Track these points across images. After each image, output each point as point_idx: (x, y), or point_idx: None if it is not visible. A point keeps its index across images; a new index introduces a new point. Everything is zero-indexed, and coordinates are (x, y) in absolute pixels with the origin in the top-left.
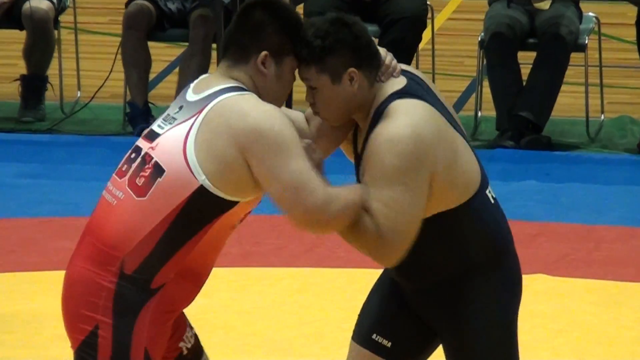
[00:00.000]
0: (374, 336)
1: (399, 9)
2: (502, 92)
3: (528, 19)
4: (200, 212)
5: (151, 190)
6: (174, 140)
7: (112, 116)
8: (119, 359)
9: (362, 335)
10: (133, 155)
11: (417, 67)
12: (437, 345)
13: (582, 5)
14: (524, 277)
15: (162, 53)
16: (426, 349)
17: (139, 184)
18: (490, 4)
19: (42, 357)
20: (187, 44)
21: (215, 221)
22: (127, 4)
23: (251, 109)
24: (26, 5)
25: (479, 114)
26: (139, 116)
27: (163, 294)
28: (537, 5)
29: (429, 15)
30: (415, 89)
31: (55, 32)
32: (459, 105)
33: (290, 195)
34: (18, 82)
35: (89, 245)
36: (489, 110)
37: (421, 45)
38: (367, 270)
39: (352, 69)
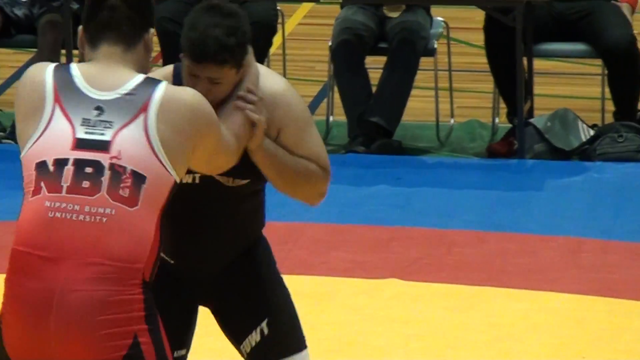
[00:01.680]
0: (175, 354)
1: (248, 14)
2: (351, 98)
3: (378, 24)
4: (169, 202)
5: (140, 198)
6: (136, 145)
7: None
8: (163, 357)
9: None
10: (89, 170)
11: None
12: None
13: (431, 9)
14: (375, 281)
15: (10, 59)
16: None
17: (126, 196)
18: (341, 8)
19: None
20: (35, 49)
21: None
22: None
23: (186, 96)
24: None
25: (331, 118)
26: None
27: None
28: (389, 13)
29: (279, 20)
30: None
31: None
32: (311, 110)
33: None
34: None
35: (90, 266)
36: (341, 115)
37: (272, 50)
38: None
39: (247, 56)
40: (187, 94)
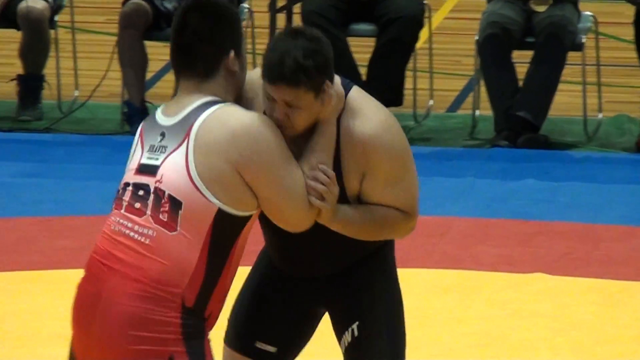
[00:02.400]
0: (258, 344)
1: (396, 9)
2: (498, 92)
3: (525, 18)
4: (225, 233)
5: (178, 223)
6: (176, 170)
7: (110, 115)
8: None
9: (241, 342)
10: (141, 192)
11: (414, 66)
12: (316, 326)
13: (579, 4)
14: (522, 275)
15: (159, 52)
16: (308, 336)
17: (165, 220)
18: (488, 2)
19: (41, 357)
20: None
21: (238, 240)
22: (123, 4)
23: (233, 120)
24: (22, 5)
25: (477, 112)
26: (136, 115)
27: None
28: (536, 7)
29: (426, 14)
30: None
31: (52, 31)
32: (457, 104)
33: (288, 202)
34: (15, 82)
35: (133, 282)
36: (487, 109)
37: (418, 45)
38: None
39: (327, 82)
40: (237, 116)
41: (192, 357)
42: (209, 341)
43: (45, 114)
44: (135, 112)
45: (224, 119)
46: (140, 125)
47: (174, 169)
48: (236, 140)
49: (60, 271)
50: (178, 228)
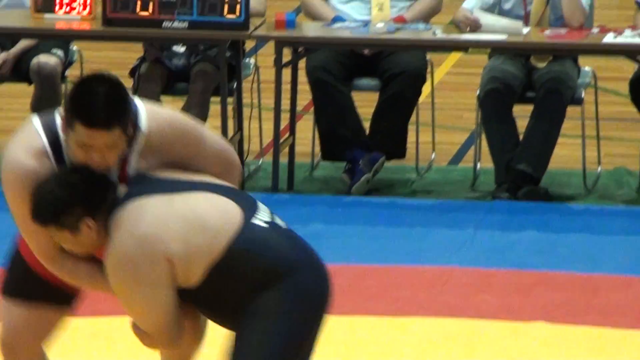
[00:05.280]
0: None
1: (399, 64)
2: (498, 146)
3: (525, 74)
4: None
5: None
6: None
7: None
8: None
9: None
10: None
11: (417, 120)
12: None
13: (579, 59)
14: (523, 324)
15: (169, 107)
16: None
17: None
18: (489, 58)
19: None
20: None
21: None
22: (132, 70)
23: None
24: (34, 61)
25: (478, 166)
26: None
27: None
28: (536, 63)
29: (429, 69)
30: (132, 193)
31: (63, 85)
32: (458, 157)
33: None
34: None
35: None
36: (488, 162)
37: (421, 99)
38: None
39: (87, 219)
40: None
41: None
42: None
43: None
44: None
45: None
46: None
47: None
48: None
49: None
50: None
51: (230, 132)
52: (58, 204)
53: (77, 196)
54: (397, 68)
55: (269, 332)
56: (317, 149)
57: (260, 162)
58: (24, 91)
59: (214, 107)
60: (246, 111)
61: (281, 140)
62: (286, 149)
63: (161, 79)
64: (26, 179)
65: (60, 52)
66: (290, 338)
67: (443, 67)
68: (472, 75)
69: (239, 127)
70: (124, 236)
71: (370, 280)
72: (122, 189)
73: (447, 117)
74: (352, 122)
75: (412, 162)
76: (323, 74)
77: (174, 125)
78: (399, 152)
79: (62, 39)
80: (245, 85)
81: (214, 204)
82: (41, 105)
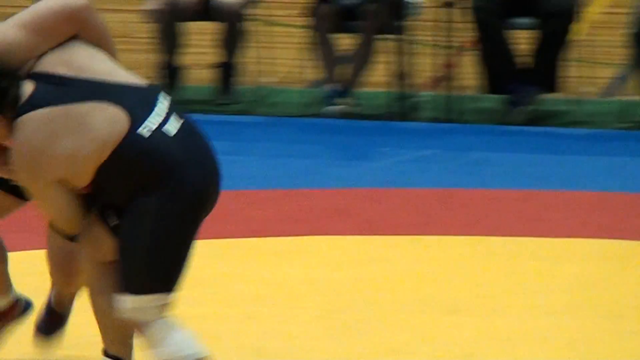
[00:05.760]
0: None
1: (554, 3)
2: None
3: None
4: None
5: None
6: None
7: (296, 99)
8: None
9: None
10: None
11: (569, 56)
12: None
13: None
14: None
15: (339, 43)
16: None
17: None
18: None
19: (250, 314)
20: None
21: None
22: (314, 7)
23: None
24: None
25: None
26: (336, 96)
27: None
28: None
29: (580, 8)
30: (36, 98)
31: (246, 23)
32: (610, 90)
33: None
34: (214, 69)
35: None
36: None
37: (573, 36)
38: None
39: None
40: None
41: None
42: None
43: (241, 98)
44: (335, 94)
45: None
46: None
47: None
48: None
49: (253, 239)
50: None
51: (395, 68)
52: None
53: None
54: (552, 7)
55: (144, 230)
56: (479, 82)
57: (425, 94)
58: (208, 28)
59: (382, 43)
60: (410, 47)
61: (444, 74)
62: (450, 83)
63: (333, 17)
64: None
65: None
66: (165, 235)
67: (594, 6)
68: (621, 14)
69: (404, 63)
70: (22, 142)
71: (529, 202)
72: (28, 87)
73: (597, 53)
74: (511, 58)
75: (565, 94)
76: (487, 14)
77: (17, 28)
78: (553, 85)
79: None
80: (408, 24)
81: (105, 117)
82: (226, 41)
